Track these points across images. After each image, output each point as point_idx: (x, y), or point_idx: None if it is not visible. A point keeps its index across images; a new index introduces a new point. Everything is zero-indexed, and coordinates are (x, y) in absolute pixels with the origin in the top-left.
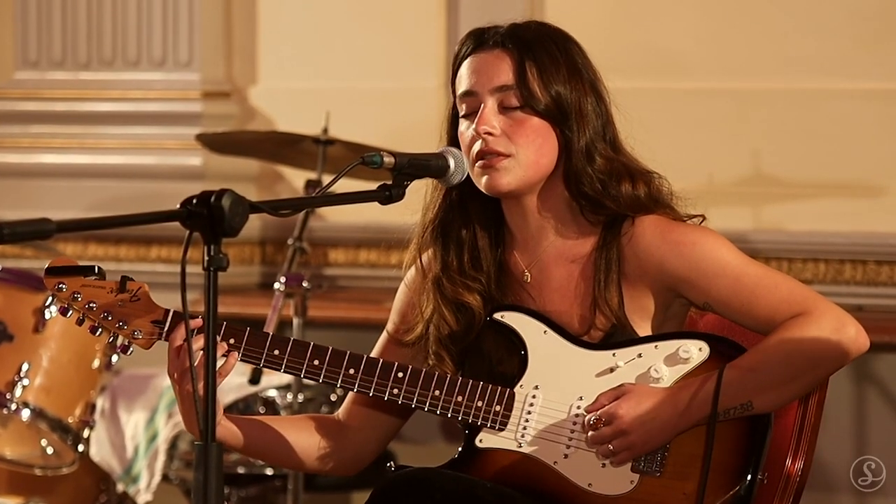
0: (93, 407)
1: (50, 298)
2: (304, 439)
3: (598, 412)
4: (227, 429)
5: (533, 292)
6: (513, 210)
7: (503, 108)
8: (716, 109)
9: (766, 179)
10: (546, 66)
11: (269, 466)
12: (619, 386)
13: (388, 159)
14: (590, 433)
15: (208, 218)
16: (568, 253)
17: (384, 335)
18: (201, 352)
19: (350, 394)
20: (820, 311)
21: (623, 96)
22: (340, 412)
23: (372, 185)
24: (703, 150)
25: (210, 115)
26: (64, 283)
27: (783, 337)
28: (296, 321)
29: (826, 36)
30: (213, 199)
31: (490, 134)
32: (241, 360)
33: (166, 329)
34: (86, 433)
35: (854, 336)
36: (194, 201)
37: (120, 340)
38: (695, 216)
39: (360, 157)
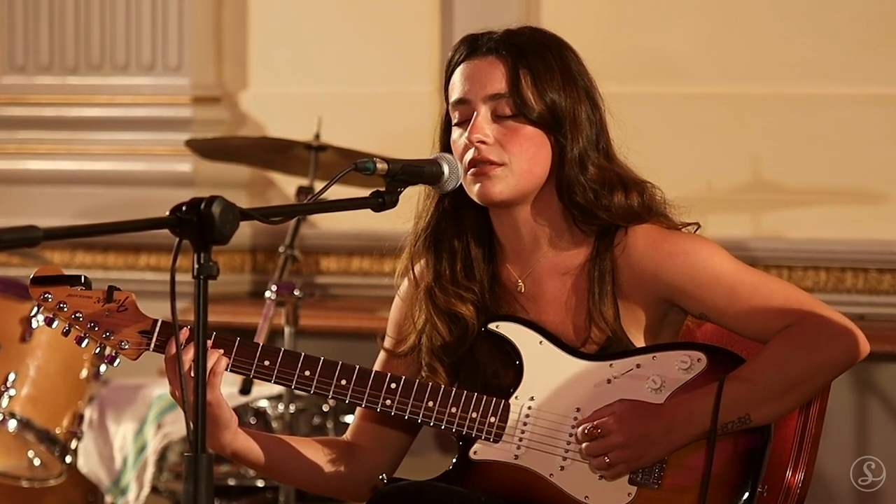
0: (80, 417)
1: (36, 308)
2: (319, 459)
3: (595, 423)
4: (244, 444)
5: (527, 304)
6: (504, 222)
7: (496, 117)
8: (715, 114)
9: (765, 186)
10: (540, 74)
11: (260, 478)
12: (615, 402)
13: (381, 165)
14: (584, 444)
15: (198, 225)
16: (561, 264)
17: (382, 353)
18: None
19: (357, 413)
20: (817, 318)
21: (620, 101)
22: (349, 433)
23: (365, 192)
24: (701, 155)
25: (200, 121)
26: (50, 293)
27: (780, 347)
28: (287, 330)
29: (827, 40)
30: (202, 206)
31: (483, 142)
32: (231, 370)
33: (154, 339)
34: (73, 444)
35: (853, 342)
36: (184, 208)
37: (107, 351)
38: (689, 224)
39: (353, 164)
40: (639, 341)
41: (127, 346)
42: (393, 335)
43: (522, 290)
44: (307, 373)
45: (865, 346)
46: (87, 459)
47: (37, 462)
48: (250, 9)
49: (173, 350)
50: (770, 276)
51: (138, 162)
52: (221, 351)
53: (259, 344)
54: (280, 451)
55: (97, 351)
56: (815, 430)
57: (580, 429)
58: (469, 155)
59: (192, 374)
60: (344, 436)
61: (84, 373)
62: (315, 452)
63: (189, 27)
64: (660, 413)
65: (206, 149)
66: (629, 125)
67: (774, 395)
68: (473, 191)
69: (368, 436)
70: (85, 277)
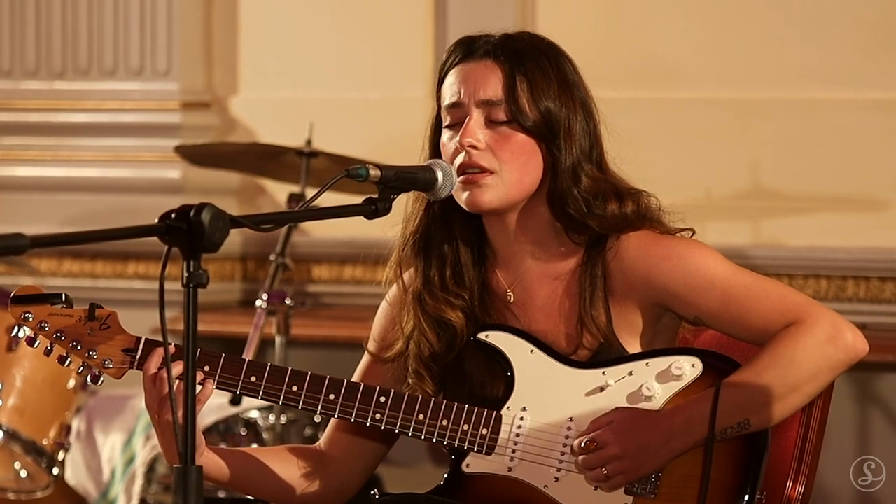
0: (68, 429)
1: (17, 328)
2: (287, 471)
3: (591, 435)
4: (210, 460)
5: (517, 312)
6: (495, 227)
7: (489, 122)
8: (714, 120)
9: (765, 193)
10: (537, 81)
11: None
12: (612, 411)
13: (373, 172)
14: (580, 457)
15: (188, 233)
16: (551, 271)
17: (366, 357)
18: (178, 380)
19: (331, 422)
20: (813, 318)
21: (618, 107)
22: (322, 442)
23: (357, 199)
24: (700, 162)
25: (189, 127)
26: (30, 313)
27: (777, 349)
28: (278, 340)
29: (828, 44)
30: (192, 213)
31: (474, 147)
32: (218, 387)
33: (138, 357)
34: (61, 456)
35: (851, 342)
36: (173, 215)
37: (91, 370)
38: (684, 230)
39: (345, 170)
40: (633, 347)
41: (110, 365)
42: (378, 339)
43: (512, 299)
44: (295, 388)
45: (864, 345)
46: (75, 471)
47: (23, 474)
48: (240, 12)
49: (152, 371)
50: (764, 277)
51: (126, 168)
52: (204, 376)
53: (245, 360)
54: (247, 466)
55: (80, 370)
56: (815, 442)
57: (576, 441)
58: (459, 159)
59: (175, 388)
60: (317, 444)
61: (71, 383)
62: (284, 464)
63: (178, 31)
64: (657, 422)
65: (195, 155)
66: (626, 131)
67: (772, 400)
68: (462, 198)
69: (342, 446)
70: (66, 296)
